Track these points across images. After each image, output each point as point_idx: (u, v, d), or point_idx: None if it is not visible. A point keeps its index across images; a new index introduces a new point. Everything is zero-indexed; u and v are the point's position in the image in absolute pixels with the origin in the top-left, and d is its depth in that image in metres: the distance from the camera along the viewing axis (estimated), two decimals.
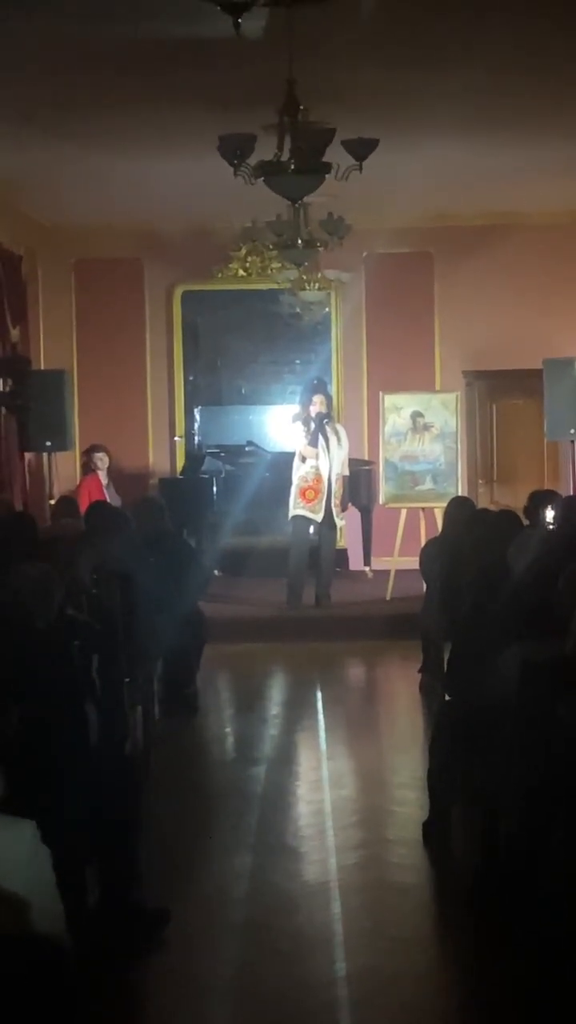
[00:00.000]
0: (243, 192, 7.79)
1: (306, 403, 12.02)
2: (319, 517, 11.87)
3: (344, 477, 12.10)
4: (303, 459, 11.86)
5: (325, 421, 11.87)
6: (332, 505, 11.90)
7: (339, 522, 12.22)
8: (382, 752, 8.40)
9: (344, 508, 12.25)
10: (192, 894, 5.86)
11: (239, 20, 5.17)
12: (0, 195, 12.11)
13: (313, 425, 11.82)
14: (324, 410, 11.89)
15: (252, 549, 13.26)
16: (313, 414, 11.85)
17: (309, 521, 11.93)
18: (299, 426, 11.98)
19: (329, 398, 12.32)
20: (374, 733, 8.93)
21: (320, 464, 11.82)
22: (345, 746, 8.51)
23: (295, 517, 11.95)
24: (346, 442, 12.11)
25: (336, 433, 12.01)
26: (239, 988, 5.01)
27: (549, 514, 8.65)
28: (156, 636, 8.19)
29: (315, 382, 12.82)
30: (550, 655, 5.14)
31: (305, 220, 10.51)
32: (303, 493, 11.88)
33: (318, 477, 11.83)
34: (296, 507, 11.91)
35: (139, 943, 5.21)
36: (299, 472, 11.90)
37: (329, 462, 11.84)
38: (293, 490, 11.91)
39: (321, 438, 11.83)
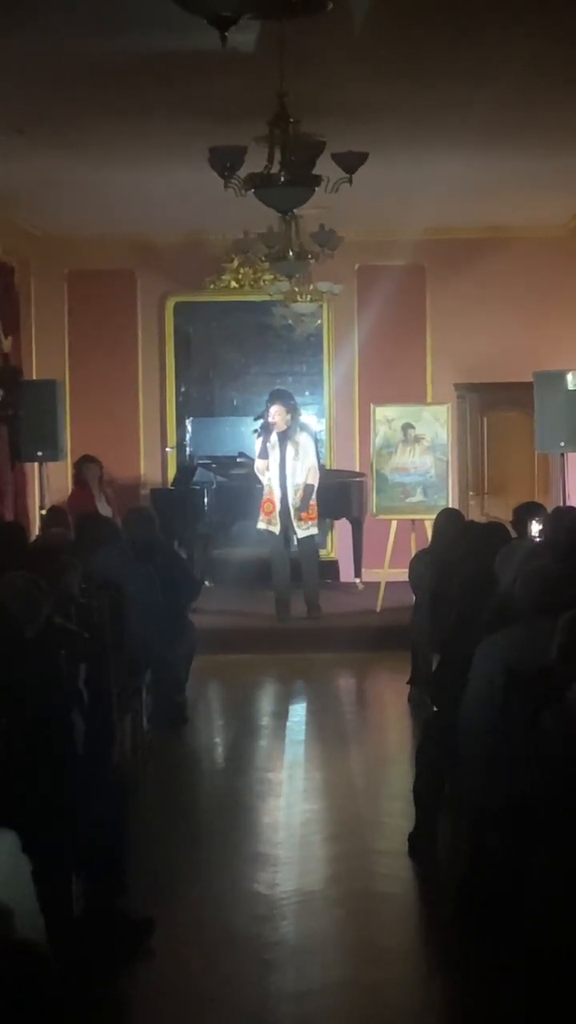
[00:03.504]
0: (236, 204, 7.81)
1: (265, 415, 12.01)
2: (276, 529, 11.85)
3: (307, 486, 11.81)
4: (261, 472, 11.90)
5: (275, 430, 11.76)
6: (291, 518, 11.80)
7: (301, 532, 11.89)
8: (369, 763, 8.40)
9: (302, 515, 11.83)
10: (179, 903, 5.87)
11: (226, 34, 5.18)
12: None
13: (262, 438, 11.81)
14: (278, 420, 11.77)
15: (243, 560, 13.26)
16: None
17: (272, 534, 11.93)
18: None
19: (291, 407, 11.96)
20: (362, 744, 8.92)
21: (271, 477, 11.80)
22: (333, 757, 8.48)
23: (259, 531, 11.99)
24: (308, 453, 11.86)
25: (296, 445, 11.81)
26: (224, 997, 5.01)
27: (536, 526, 8.68)
28: (145, 646, 8.21)
29: (272, 392, 12.63)
30: (534, 664, 5.14)
31: (297, 232, 10.51)
32: (263, 506, 11.91)
33: (271, 490, 11.83)
34: (260, 520, 11.95)
35: (125, 952, 5.22)
36: (258, 486, 11.99)
37: (282, 475, 11.76)
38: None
39: (274, 451, 11.77)
